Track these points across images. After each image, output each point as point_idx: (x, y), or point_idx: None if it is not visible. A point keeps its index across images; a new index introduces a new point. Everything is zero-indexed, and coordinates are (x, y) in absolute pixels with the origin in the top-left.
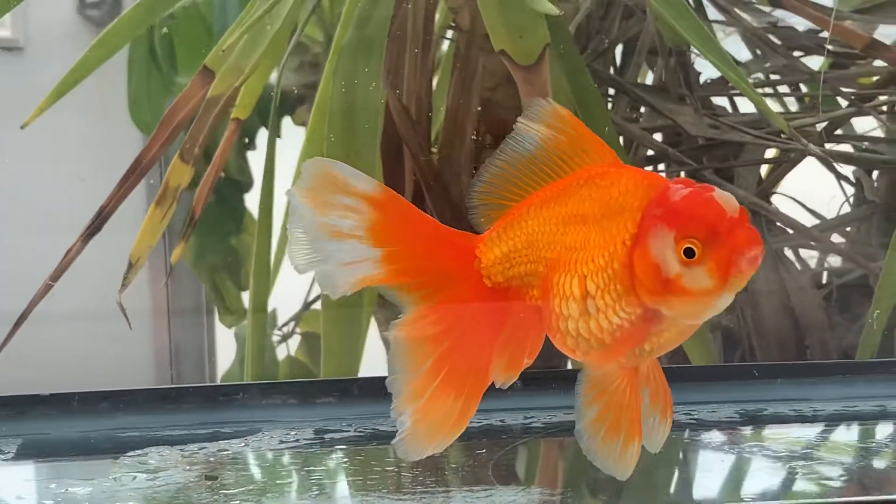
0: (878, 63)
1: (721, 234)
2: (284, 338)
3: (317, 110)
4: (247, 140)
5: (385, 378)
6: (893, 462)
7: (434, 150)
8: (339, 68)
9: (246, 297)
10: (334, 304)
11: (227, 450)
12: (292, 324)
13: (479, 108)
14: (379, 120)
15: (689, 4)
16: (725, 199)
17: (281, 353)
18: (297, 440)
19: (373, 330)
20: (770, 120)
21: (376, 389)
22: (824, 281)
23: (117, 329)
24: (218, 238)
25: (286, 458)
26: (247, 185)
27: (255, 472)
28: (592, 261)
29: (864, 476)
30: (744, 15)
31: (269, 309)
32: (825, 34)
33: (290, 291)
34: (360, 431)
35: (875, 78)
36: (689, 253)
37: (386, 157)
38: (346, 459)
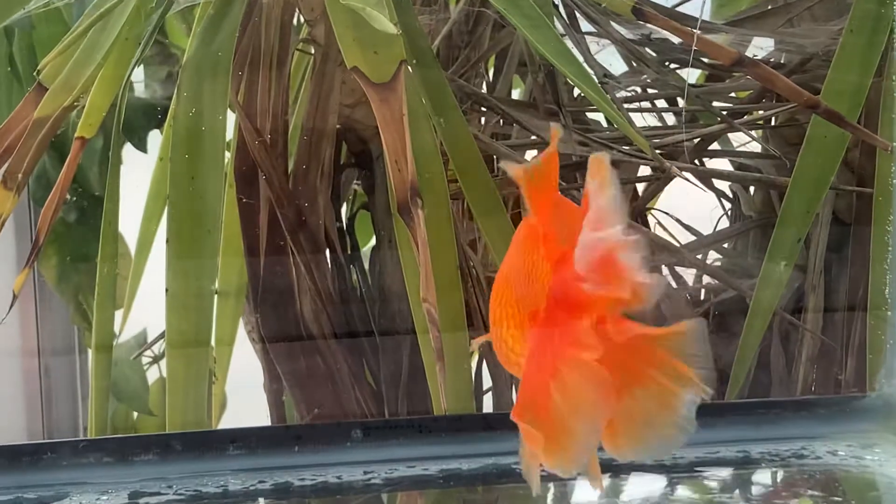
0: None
1: None
2: (156, 359)
3: (168, 127)
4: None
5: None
6: None
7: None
8: (183, 85)
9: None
10: (178, 341)
11: None
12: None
13: (339, 127)
14: (223, 139)
15: (554, 17)
16: None
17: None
18: None
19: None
20: (630, 138)
21: (200, 445)
22: (702, 298)
23: None
24: (83, 258)
25: None
26: None
27: None
28: None
29: None
30: (619, 27)
31: (141, 328)
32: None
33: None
34: (181, 494)
35: (748, 93)
36: None
37: (240, 177)
38: None
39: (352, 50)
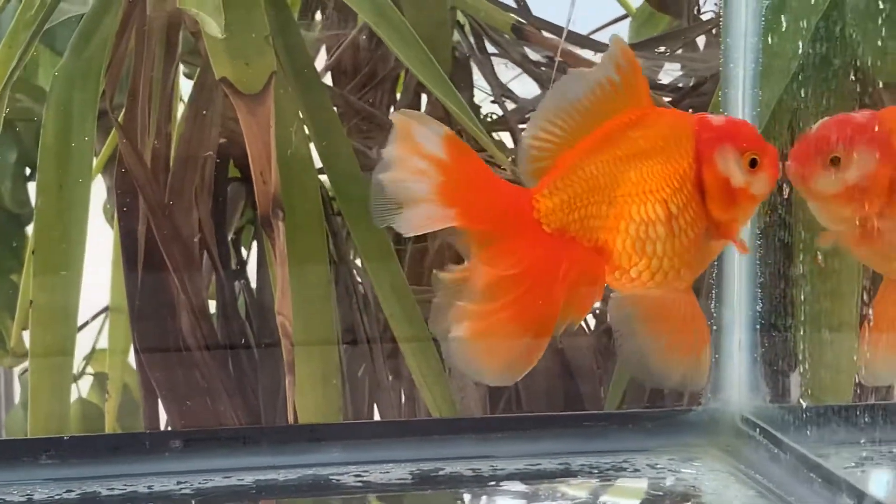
0: None
1: (767, 145)
2: (74, 378)
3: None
4: (28, 171)
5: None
6: None
7: None
8: (52, 93)
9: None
10: (42, 354)
11: None
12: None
13: (224, 141)
14: (92, 149)
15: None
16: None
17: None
18: None
19: None
20: (492, 155)
21: (11, 453)
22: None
23: None
24: None
25: None
26: (27, 218)
27: None
28: (666, 186)
29: None
30: (528, 49)
31: None
32: None
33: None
34: None
35: None
36: (753, 163)
37: (121, 188)
38: None
39: (221, 60)
